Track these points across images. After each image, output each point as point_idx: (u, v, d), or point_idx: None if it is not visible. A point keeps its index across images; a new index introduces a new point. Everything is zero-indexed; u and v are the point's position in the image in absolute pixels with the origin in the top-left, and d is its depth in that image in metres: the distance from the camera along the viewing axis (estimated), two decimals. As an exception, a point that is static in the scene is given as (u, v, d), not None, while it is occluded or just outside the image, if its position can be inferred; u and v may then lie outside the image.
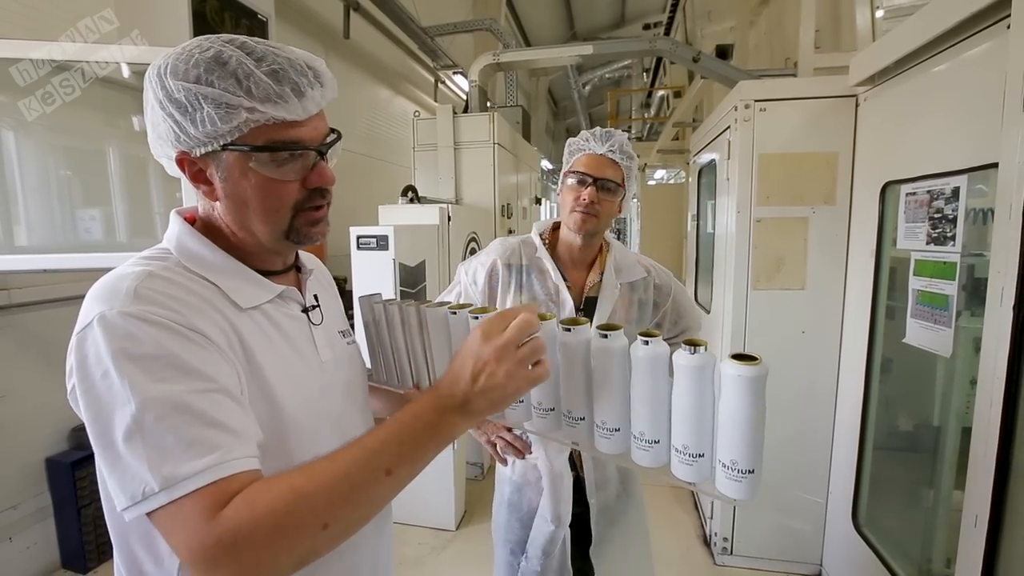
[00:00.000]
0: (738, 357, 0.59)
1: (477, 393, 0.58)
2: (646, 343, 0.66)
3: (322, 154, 0.64)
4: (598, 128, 1.23)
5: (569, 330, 0.70)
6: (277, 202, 0.63)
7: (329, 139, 0.66)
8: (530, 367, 0.61)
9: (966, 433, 1.43)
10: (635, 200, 8.15)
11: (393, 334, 0.88)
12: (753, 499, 0.62)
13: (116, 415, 0.51)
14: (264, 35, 2.50)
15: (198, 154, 0.60)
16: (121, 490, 0.51)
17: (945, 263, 1.45)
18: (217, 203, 0.65)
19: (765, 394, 0.59)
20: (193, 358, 0.55)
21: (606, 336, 0.68)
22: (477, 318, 0.76)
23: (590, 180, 1.17)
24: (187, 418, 0.52)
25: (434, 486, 2.62)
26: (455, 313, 0.80)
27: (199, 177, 0.63)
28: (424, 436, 0.57)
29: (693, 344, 0.63)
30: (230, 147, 0.59)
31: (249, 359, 0.62)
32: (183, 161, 0.62)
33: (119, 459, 0.51)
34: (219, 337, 0.59)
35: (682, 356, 0.63)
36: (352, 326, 0.90)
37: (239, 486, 0.52)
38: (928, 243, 1.52)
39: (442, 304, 0.83)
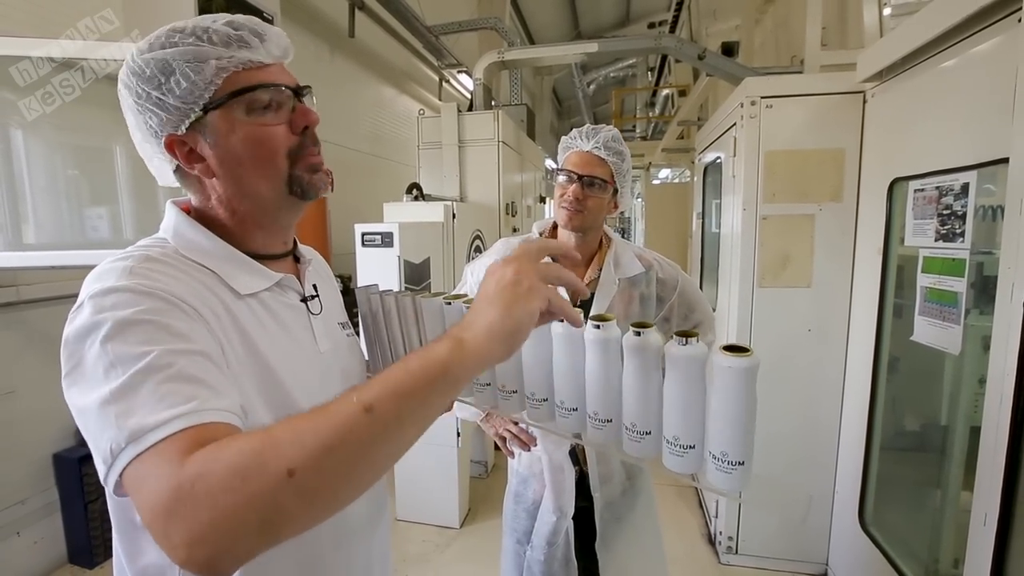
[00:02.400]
0: (729, 348, 0.59)
1: (485, 307, 0.51)
2: (638, 334, 0.66)
3: (299, 95, 0.65)
4: (587, 125, 1.25)
5: (561, 320, 0.70)
6: (270, 150, 0.63)
7: (301, 85, 0.67)
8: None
9: (974, 432, 1.41)
10: (639, 199, 8.13)
11: (390, 324, 0.88)
12: (742, 490, 0.62)
13: (95, 380, 0.49)
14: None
15: (183, 130, 0.61)
16: (98, 456, 0.48)
17: (954, 260, 1.44)
18: (215, 180, 0.64)
19: (756, 386, 0.59)
20: (176, 322, 0.53)
21: (599, 327, 0.67)
22: None
23: (576, 177, 1.19)
24: (163, 375, 0.49)
25: (438, 484, 2.62)
26: (450, 303, 0.80)
27: (191, 156, 0.63)
28: (413, 363, 0.48)
29: (685, 335, 0.62)
30: (210, 107, 0.60)
31: (247, 345, 0.62)
32: (172, 144, 0.62)
33: (94, 426, 0.48)
34: (209, 315, 0.58)
35: (673, 347, 0.63)
36: (356, 322, 0.90)
37: (219, 436, 0.46)
38: (937, 240, 1.51)
39: (437, 295, 0.83)
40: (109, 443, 0.46)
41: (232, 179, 0.64)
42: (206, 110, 0.60)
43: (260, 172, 0.64)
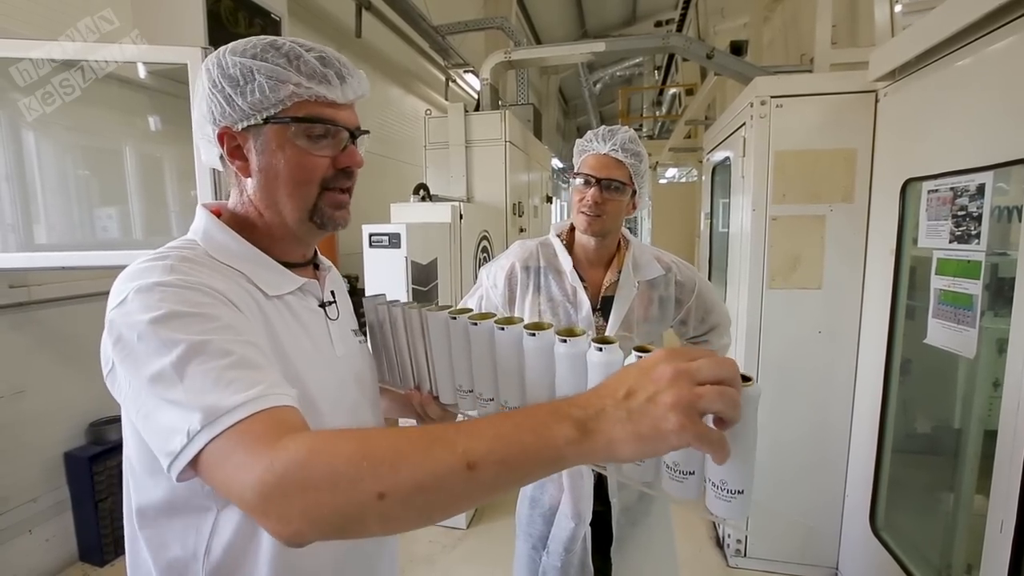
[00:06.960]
0: None
1: (621, 415, 0.44)
2: (599, 349, 0.66)
3: (354, 137, 0.69)
4: (603, 127, 1.23)
5: (565, 341, 0.71)
6: (307, 175, 0.66)
7: (360, 128, 0.71)
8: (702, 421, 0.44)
9: (988, 436, 1.39)
10: (647, 199, 8.09)
11: (396, 335, 0.90)
12: (742, 518, 0.61)
13: (156, 372, 0.51)
14: (277, 34, 2.51)
15: (239, 128, 0.65)
16: (168, 439, 0.49)
17: (969, 262, 1.42)
18: (249, 180, 0.68)
19: (757, 415, 0.57)
20: (226, 315, 0.57)
21: (600, 350, 0.67)
22: (503, 329, 0.76)
23: (594, 181, 1.18)
24: (227, 361, 0.52)
25: (445, 484, 2.62)
26: (455, 318, 0.81)
27: (236, 153, 0.67)
28: (528, 436, 0.45)
29: None
30: (273, 120, 0.64)
31: (275, 344, 0.64)
32: (223, 135, 0.66)
33: (159, 414, 0.51)
34: (247, 311, 0.61)
35: None
36: (362, 325, 0.92)
37: (288, 418, 0.50)
38: (951, 241, 1.49)
39: (443, 308, 0.85)
40: (185, 426, 0.48)
41: (264, 188, 0.68)
42: (267, 120, 0.64)
43: (290, 192, 0.67)
